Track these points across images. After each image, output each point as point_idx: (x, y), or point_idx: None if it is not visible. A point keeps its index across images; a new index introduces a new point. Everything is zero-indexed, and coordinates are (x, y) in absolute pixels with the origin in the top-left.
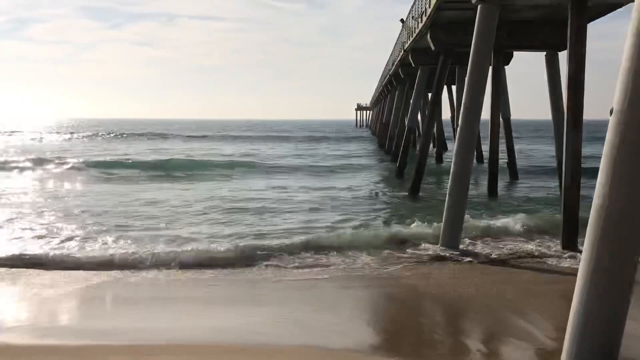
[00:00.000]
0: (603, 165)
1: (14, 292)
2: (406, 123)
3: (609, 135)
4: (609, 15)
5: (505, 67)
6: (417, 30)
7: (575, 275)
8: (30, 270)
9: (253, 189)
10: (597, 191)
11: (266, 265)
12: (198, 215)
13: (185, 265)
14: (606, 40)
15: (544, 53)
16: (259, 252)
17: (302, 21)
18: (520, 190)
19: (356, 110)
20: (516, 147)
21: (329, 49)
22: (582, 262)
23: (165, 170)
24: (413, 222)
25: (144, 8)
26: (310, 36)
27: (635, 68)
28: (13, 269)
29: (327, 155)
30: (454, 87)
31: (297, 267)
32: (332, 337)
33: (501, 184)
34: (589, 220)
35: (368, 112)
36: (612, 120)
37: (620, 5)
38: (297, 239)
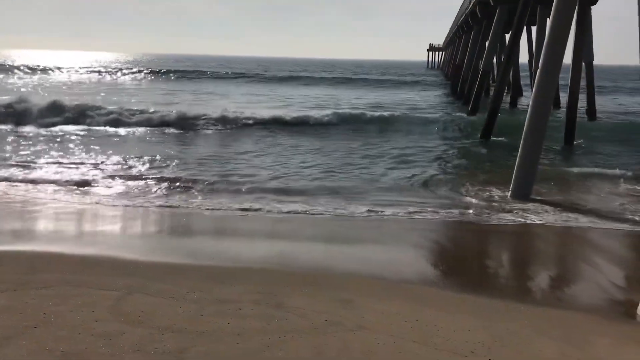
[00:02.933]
0: None
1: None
2: (480, 66)
3: None
4: None
5: (592, 7)
6: None
7: None
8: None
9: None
10: None
11: None
12: None
13: None
14: None
15: None
16: None
17: None
18: (599, 141)
19: (428, 50)
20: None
21: None
22: None
23: None
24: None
25: None
26: None
27: None
28: None
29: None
30: (533, 29)
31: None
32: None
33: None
34: None
35: (440, 53)
36: None
37: None
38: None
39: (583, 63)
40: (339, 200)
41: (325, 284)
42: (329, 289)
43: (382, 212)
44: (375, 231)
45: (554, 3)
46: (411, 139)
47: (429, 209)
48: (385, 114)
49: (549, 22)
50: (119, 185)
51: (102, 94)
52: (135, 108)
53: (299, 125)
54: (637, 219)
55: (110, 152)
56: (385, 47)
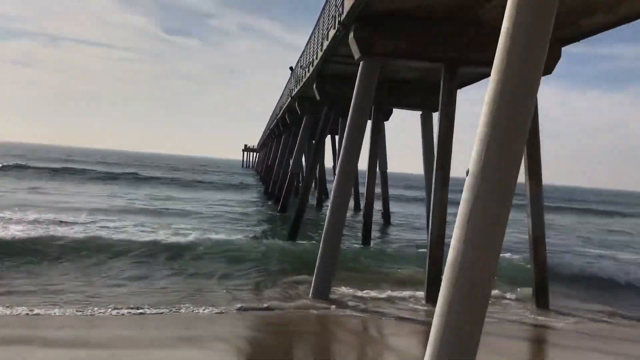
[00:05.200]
0: (458, 222)
1: None
2: (290, 168)
3: (465, 194)
4: (479, 83)
5: (385, 122)
6: (304, 80)
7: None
8: None
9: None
10: (452, 246)
11: None
12: None
13: None
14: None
15: (420, 112)
16: None
17: (194, 57)
18: (393, 241)
19: (243, 151)
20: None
21: (220, 87)
22: (437, 311)
23: None
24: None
25: (23, 26)
26: (202, 73)
27: (490, 133)
28: None
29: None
30: (337, 137)
31: None
32: None
33: (376, 233)
34: (444, 274)
35: (255, 153)
36: (467, 180)
37: (487, 76)
38: None
39: (378, 171)
40: None
41: None
42: None
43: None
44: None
45: (349, 115)
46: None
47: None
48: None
49: (345, 132)
50: None
51: None
52: None
53: None
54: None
55: None
56: (201, 144)
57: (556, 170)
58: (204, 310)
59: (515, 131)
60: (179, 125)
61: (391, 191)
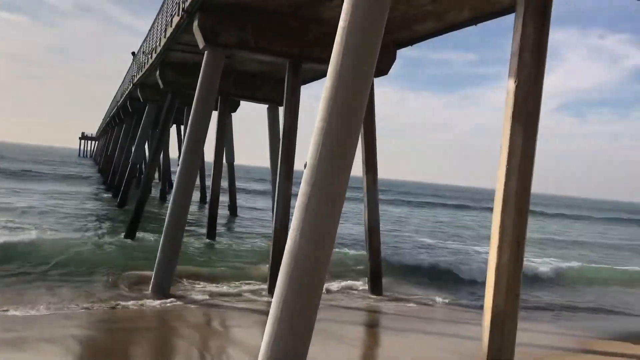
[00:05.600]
0: (296, 213)
1: None
2: (131, 159)
3: (302, 186)
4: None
5: (233, 113)
6: (146, 66)
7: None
8: None
9: None
10: (289, 236)
11: None
12: None
13: None
14: None
15: (267, 105)
16: None
17: (25, 36)
18: (239, 234)
19: (80, 139)
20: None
21: (57, 70)
22: (274, 299)
23: None
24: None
25: None
26: (30, 53)
27: (326, 128)
28: None
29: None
30: (183, 128)
31: None
32: None
33: (222, 226)
34: (282, 263)
35: (93, 142)
36: (305, 173)
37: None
38: None
39: (225, 163)
40: None
41: None
42: None
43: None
44: None
45: (193, 105)
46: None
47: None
48: None
49: (188, 122)
50: None
51: None
52: None
53: None
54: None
55: None
56: (33, 131)
57: (398, 165)
58: (31, 311)
59: (349, 126)
60: (4, 110)
61: (239, 184)
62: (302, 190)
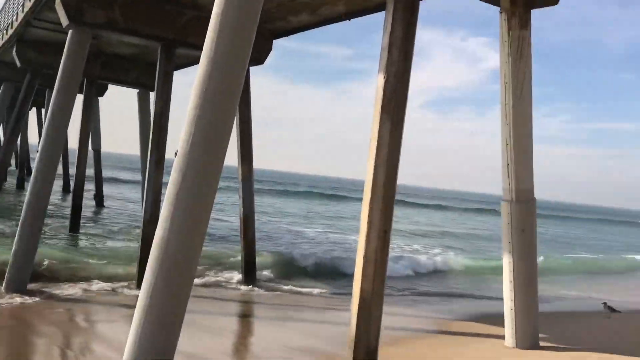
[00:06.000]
0: (166, 202)
1: None
2: None
3: (173, 174)
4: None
5: (100, 98)
6: (1, 42)
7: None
8: None
9: None
10: (159, 226)
11: None
12: None
13: None
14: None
15: (137, 90)
16: None
17: None
18: (104, 225)
19: None
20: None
21: None
22: (142, 291)
23: None
24: None
25: None
26: None
27: (200, 114)
28: None
29: None
30: (44, 111)
31: None
32: None
33: (87, 218)
34: (150, 253)
35: None
36: (176, 161)
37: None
38: None
39: (91, 150)
40: None
41: None
42: None
43: None
44: None
45: (55, 88)
46: None
47: None
48: None
49: (50, 105)
50: None
51: None
52: None
53: None
54: None
55: None
56: None
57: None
58: None
59: (223, 113)
60: None
61: (107, 173)
62: (172, 179)
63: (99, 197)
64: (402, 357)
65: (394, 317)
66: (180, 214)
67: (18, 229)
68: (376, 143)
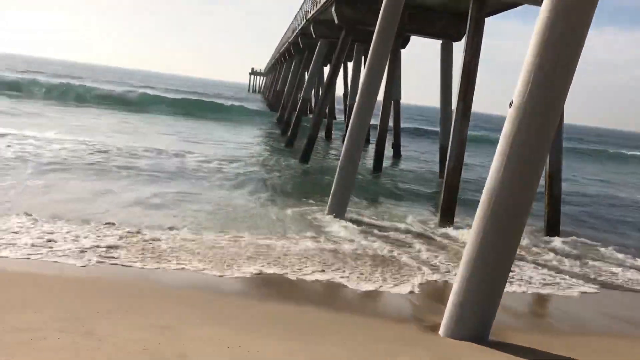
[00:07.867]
0: (498, 153)
1: None
2: (301, 94)
3: (507, 126)
4: (500, 15)
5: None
6: (322, 1)
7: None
8: None
9: None
10: (491, 176)
11: None
12: None
13: None
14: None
15: (440, 41)
16: None
17: None
18: (403, 171)
19: (250, 74)
20: None
21: (228, 7)
22: (469, 244)
23: None
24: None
25: None
26: None
27: (539, 63)
28: None
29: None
30: (350, 64)
31: None
32: None
33: (385, 162)
34: (480, 203)
35: (261, 77)
36: (510, 112)
37: (516, 5)
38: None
39: (392, 101)
40: None
41: (140, 308)
42: (145, 314)
43: None
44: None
45: (372, 43)
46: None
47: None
48: None
49: (367, 60)
50: None
51: None
52: None
53: None
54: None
55: None
56: (205, 66)
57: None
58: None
59: (563, 63)
60: (181, 45)
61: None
62: (505, 132)
63: (396, 147)
64: None
65: None
66: (514, 167)
67: (337, 171)
68: None
